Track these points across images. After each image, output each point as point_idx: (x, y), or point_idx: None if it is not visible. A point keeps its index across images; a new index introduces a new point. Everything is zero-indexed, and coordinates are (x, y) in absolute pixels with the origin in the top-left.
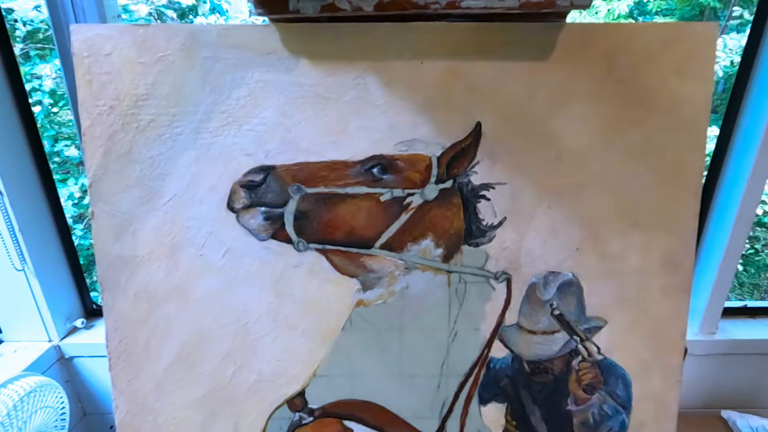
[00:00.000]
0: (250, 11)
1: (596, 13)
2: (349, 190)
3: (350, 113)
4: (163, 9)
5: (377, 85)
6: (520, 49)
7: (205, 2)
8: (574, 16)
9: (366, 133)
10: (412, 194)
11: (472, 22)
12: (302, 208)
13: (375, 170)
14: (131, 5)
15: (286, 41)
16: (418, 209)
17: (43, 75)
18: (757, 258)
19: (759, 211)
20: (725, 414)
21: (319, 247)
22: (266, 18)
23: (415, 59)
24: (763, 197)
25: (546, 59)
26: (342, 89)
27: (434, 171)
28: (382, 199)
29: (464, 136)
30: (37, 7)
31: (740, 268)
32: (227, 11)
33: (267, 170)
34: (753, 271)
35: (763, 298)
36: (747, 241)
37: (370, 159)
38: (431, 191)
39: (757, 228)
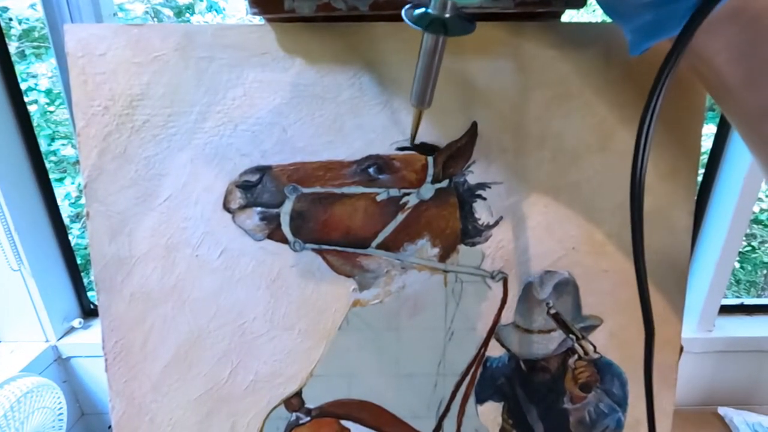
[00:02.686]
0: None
1: (593, 11)
2: (345, 189)
3: (346, 113)
4: (159, 7)
5: (373, 85)
6: (515, 48)
7: (201, 0)
8: (571, 14)
9: (362, 133)
10: (408, 194)
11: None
12: (298, 208)
13: (371, 170)
14: (127, 4)
15: (281, 41)
16: (414, 209)
17: (38, 74)
18: (753, 255)
19: (755, 209)
20: (722, 411)
21: (316, 247)
22: (262, 17)
23: (410, 59)
24: (760, 194)
25: (541, 59)
26: (338, 89)
27: (430, 170)
28: (379, 198)
29: (460, 136)
30: (32, 6)
31: (737, 265)
32: (224, 9)
33: (263, 170)
34: (749, 268)
35: (759, 296)
36: (744, 238)
37: (366, 159)
38: (427, 191)
39: (754, 225)
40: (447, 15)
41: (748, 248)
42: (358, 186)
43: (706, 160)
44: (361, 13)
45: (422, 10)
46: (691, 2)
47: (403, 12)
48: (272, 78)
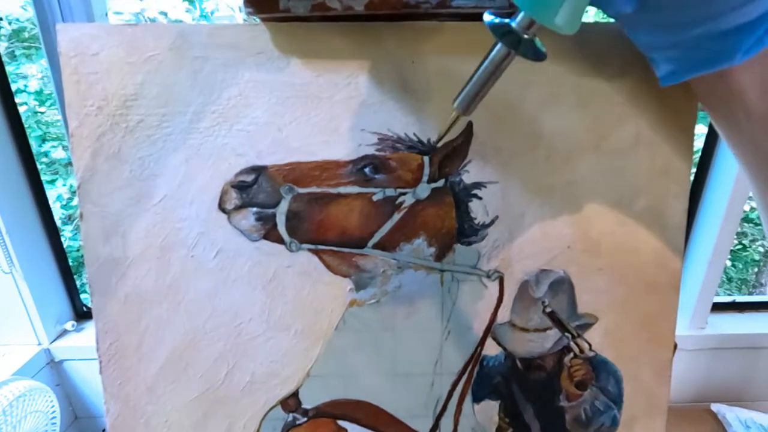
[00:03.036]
0: (240, 11)
1: (587, 11)
2: (342, 189)
3: (342, 113)
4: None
5: (368, 85)
6: None
7: (195, 9)
8: None
9: (358, 133)
10: (404, 193)
11: (462, 21)
12: (294, 208)
13: (367, 170)
14: (118, 15)
15: (276, 41)
16: (410, 208)
17: (29, 75)
18: (744, 253)
19: (746, 207)
20: (715, 407)
21: (312, 247)
22: (256, 17)
23: (406, 58)
24: (751, 193)
25: None
26: (333, 89)
27: (426, 170)
28: (375, 198)
29: (456, 136)
30: (23, 6)
31: (728, 263)
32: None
33: (258, 170)
34: (741, 266)
35: (751, 293)
36: (735, 236)
37: (362, 158)
38: (423, 190)
39: (745, 224)
40: (526, 36)
41: (740, 246)
42: (354, 186)
43: (697, 160)
44: (356, 13)
45: (506, 21)
46: (757, 35)
47: (487, 13)
48: (267, 78)
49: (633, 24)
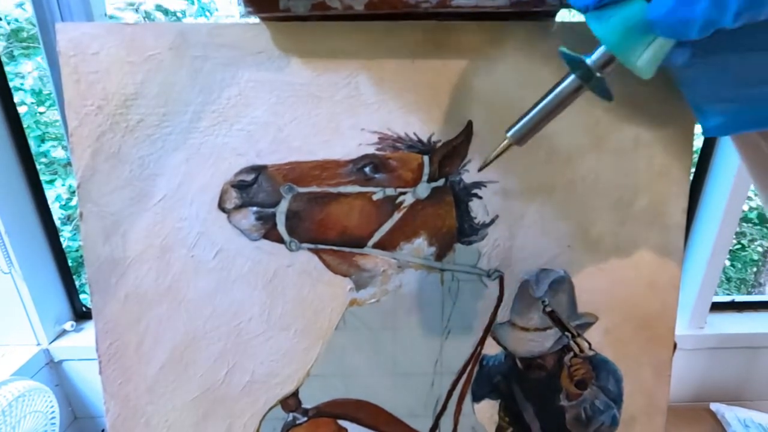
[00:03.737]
0: (240, 12)
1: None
2: (342, 189)
3: (342, 112)
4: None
5: (369, 84)
6: (510, 48)
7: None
8: (563, 15)
9: (358, 133)
10: (404, 193)
11: (462, 21)
12: (294, 207)
13: (367, 169)
14: (117, 13)
15: (276, 40)
16: (410, 208)
17: (27, 74)
18: (743, 253)
19: (745, 207)
20: (714, 407)
21: (312, 246)
22: (257, 17)
23: (406, 58)
24: (749, 193)
25: (536, 58)
26: (333, 88)
27: (426, 170)
28: (375, 198)
29: (456, 135)
30: (20, 5)
31: (727, 263)
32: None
33: (258, 170)
34: (740, 266)
35: (749, 293)
36: (734, 236)
37: (362, 158)
38: (423, 190)
39: (744, 224)
40: (599, 74)
41: (738, 246)
42: (354, 185)
43: (696, 159)
44: (356, 12)
45: (582, 57)
46: None
47: (562, 48)
48: (267, 77)
49: (693, 75)
